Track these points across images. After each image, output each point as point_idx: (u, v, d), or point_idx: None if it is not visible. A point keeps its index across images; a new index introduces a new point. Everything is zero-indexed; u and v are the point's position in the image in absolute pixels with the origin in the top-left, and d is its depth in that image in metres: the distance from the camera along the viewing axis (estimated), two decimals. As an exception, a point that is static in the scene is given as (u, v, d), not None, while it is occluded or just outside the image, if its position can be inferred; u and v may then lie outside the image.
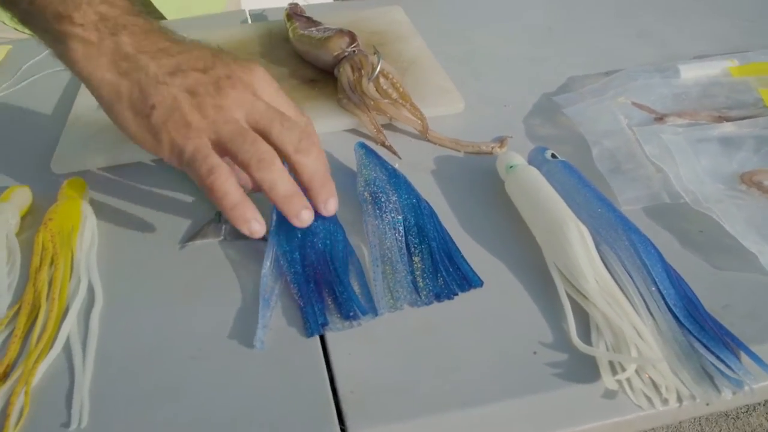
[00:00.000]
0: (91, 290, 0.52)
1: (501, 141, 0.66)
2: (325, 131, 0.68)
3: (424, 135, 0.67)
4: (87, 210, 0.58)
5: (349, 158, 0.63)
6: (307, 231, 0.52)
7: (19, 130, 0.72)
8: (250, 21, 0.92)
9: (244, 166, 0.48)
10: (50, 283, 0.52)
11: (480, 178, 0.62)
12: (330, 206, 0.52)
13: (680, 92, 0.69)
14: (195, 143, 0.48)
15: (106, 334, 0.49)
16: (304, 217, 0.50)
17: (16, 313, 0.50)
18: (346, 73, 0.71)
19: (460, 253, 0.53)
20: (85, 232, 0.56)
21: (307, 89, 0.73)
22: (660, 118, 0.66)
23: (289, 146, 0.49)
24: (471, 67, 0.80)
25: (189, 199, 0.61)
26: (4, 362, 0.46)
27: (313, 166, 0.50)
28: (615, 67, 0.77)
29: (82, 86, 0.75)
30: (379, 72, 0.69)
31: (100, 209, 0.60)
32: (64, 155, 0.66)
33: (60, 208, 0.57)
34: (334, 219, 0.54)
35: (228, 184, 0.47)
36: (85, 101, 0.73)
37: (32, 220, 0.59)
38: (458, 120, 0.70)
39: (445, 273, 0.51)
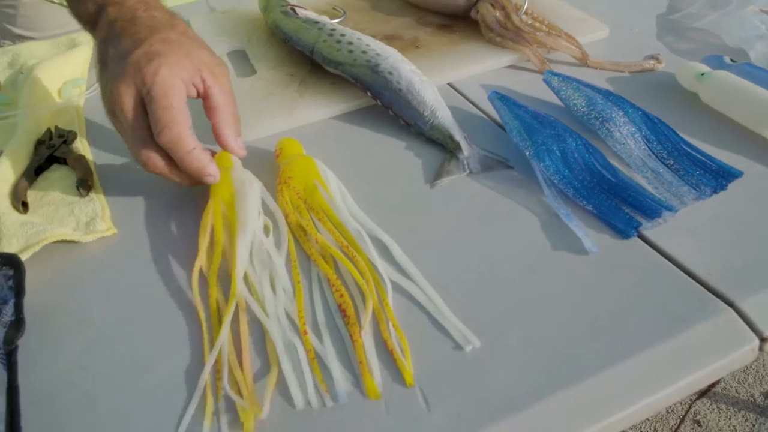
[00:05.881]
0: (374, 239, 0.51)
1: (655, 58, 0.70)
2: (490, 69, 0.70)
3: (583, 62, 0.70)
4: (320, 164, 0.57)
5: (511, 92, 0.65)
6: (564, 147, 0.55)
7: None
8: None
9: None
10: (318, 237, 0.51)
11: (657, 94, 0.66)
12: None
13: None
14: None
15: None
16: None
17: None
18: (490, 12, 0.72)
19: (704, 152, 0.57)
20: (330, 185, 0.55)
21: (448, 34, 0.75)
22: (786, 22, 0.73)
23: None
24: None
25: (409, 144, 0.62)
26: (350, 315, 0.46)
27: None
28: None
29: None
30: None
31: (326, 162, 0.58)
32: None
33: (295, 166, 0.56)
34: (575, 133, 0.57)
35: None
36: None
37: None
38: (603, 46, 0.74)
39: (704, 169, 0.55)
